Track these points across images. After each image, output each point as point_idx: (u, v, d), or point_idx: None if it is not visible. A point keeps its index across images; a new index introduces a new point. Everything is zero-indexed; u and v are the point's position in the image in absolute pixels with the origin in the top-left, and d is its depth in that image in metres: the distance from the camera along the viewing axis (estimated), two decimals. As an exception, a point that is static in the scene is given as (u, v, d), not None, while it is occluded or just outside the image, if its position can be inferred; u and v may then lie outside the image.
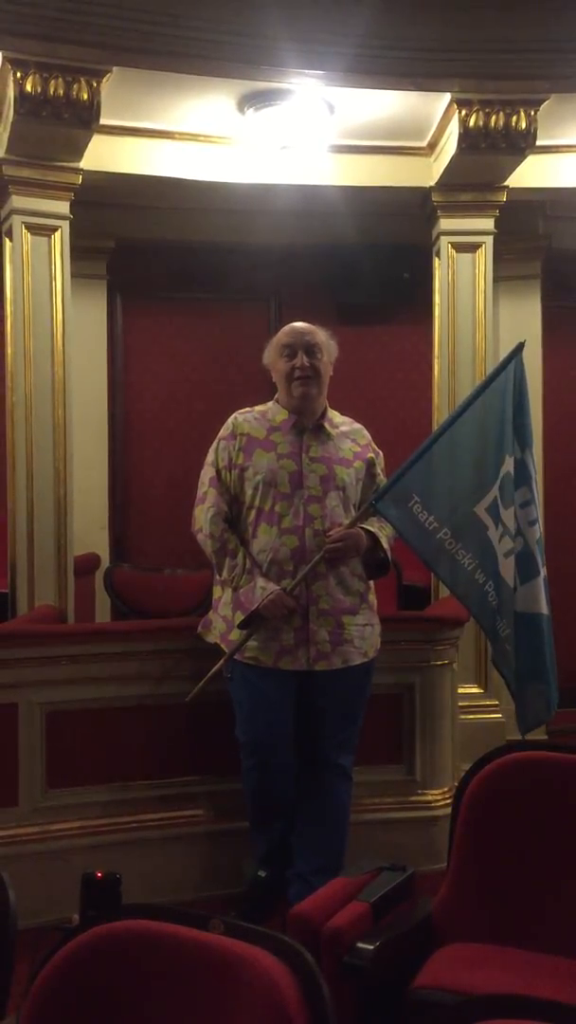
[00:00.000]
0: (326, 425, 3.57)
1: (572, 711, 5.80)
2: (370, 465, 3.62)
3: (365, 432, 3.68)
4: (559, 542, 5.92)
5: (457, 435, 3.55)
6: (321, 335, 3.57)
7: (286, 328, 3.62)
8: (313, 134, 4.66)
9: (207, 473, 3.57)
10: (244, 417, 3.58)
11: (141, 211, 5.53)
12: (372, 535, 3.51)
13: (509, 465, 3.62)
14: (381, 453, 3.70)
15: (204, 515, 3.51)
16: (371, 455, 3.64)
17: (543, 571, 3.71)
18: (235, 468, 3.50)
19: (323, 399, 3.58)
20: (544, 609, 3.70)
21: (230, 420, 3.60)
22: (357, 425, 3.69)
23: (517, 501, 3.66)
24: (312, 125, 4.59)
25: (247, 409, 3.63)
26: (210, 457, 3.59)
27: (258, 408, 3.63)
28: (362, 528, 3.49)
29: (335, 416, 3.64)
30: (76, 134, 4.32)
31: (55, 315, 4.59)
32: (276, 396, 3.63)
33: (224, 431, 3.59)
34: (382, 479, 3.63)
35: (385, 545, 3.55)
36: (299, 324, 3.61)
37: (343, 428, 3.63)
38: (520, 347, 3.70)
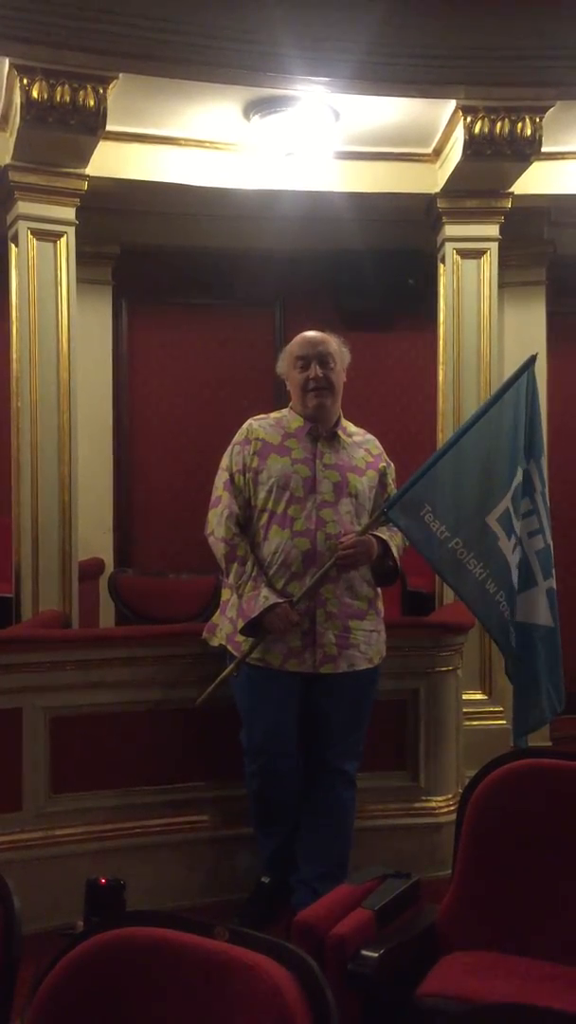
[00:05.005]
0: (340, 433, 3.59)
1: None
2: (382, 475, 3.64)
3: (378, 443, 3.71)
4: (563, 549, 5.90)
5: (469, 446, 3.55)
6: (333, 344, 3.58)
7: (299, 339, 3.62)
8: (318, 140, 4.67)
9: (221, 478, 3.58)
10: (259, 423, 3.60)
11: (146, 217, 5.54)
12: (383, 542, 3.52)
13: (520, 476, 3.63)
14: (393, 464, 3.72)
15: (216, 519, 3.53)
16: (383, 465, 3.66)
17: (545, 583, 3.69)
18: (249, 471, 3.52)
19: (337, 407, 3.60)
20: (541, 620, 3.68)
21: (244, 426, 3.62)
22: (370, 436, 3.71)
23: (520, 511, 3.66)
24: (317, 131, 4.59)
25: (262, 416, 3.65)
26: (224, 462, 3.60)
27: (273, 415, 3.65)
28: (373, 535, 3.50)
29: (349, 426, 3.67)
30: (82, 140, 4.33)
31: (60, 320, 4.60)
32: (291, 404, 3.64)
33: (239, 436, 3.61)
34: (393, 490, 3.64)
35: (395, 554, 3.56)
36: (311, 333, 3.61)
37: (357, 438, 3.66)
38: (532, 359, 3.71)
